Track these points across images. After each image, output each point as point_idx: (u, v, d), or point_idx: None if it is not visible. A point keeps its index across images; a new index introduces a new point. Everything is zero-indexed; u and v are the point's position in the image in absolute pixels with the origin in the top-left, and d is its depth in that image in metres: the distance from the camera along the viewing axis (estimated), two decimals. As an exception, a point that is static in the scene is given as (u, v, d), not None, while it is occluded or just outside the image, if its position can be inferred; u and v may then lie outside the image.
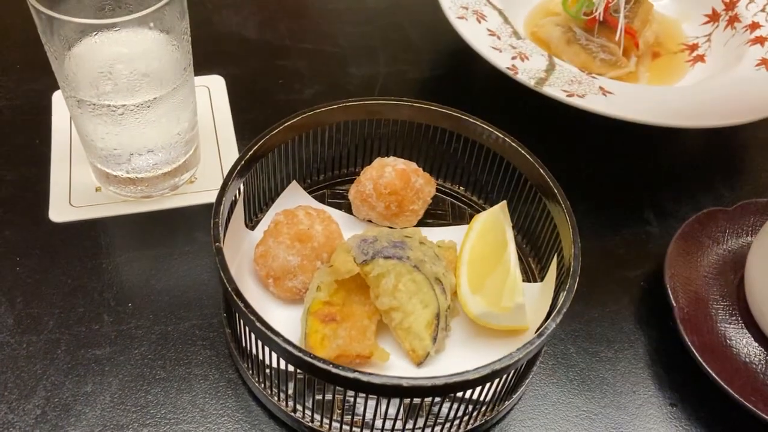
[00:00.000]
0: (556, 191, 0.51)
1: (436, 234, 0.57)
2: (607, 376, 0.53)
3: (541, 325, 0.45)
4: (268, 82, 0.71)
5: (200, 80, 0.69)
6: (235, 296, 0.42)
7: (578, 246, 0.47)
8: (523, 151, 0.53)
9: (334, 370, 0.40)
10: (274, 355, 0.43)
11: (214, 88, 0.69)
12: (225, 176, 0.49)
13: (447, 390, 0.41)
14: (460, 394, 0.45)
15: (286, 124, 0.53)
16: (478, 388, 0.44)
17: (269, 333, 0.41)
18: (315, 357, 0.40)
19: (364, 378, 0.39)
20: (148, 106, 0.52)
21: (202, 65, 0.71)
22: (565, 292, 0.45)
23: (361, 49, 0.76)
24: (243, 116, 0.67)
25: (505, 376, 0.44)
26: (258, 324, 0.41)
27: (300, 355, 0.40)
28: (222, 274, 0.43)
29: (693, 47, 0.76)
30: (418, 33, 0.78)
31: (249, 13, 0.78)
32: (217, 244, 0.45)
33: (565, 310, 0.44)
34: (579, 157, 0.67)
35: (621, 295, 0.57)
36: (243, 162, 0.50)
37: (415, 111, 0.56)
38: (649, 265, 0.60)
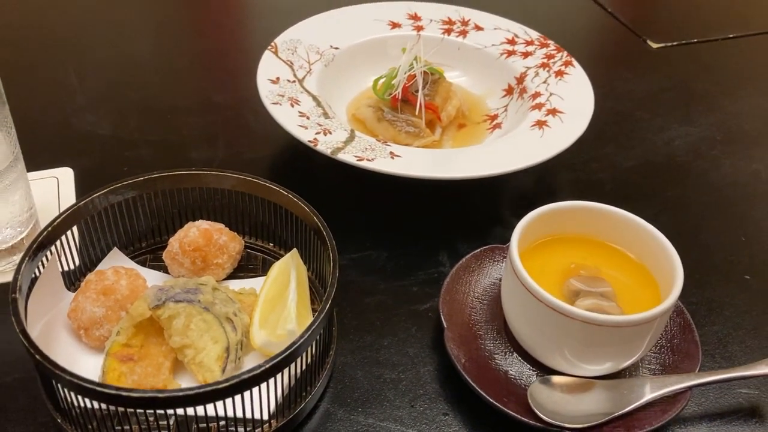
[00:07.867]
0: (326, 237, 0.60)
1: (240, 283, 0.65)
2: (389, 395, 0.60)
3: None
4: (114, 170, 0.80)
5: (50, 172, 0.78)
6: (22, 337, 0.49)
7: (336, 277, 0.56)
8: (305, 207, 0.62)
9: (99, 389, 0.46)
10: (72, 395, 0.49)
11: (62, 179, 0.77)
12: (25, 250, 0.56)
13: (198, 399, 0.47)
14: (234, 414, 0.52)
15: (74, 208, 0.61)
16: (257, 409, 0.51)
17: (36, 355, 0.47)
18: (74, 375, 0.47)
19: (125, 393, 0.46)
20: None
21: (54, 160, 0.80)
22: (314, 327, 0.52)
23: (203, 136, 0.86)
24: (87, 200, 0.76)
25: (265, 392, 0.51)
26: (33, 352, 0.48)
27: (61, 374, 0.47)
28: (13, 319, 0.50)
29: (494, 117, 0.88)
30: (259, 120, 0.89)
31: (105, 113, 0.89)
32: (13, 294, 0.52)
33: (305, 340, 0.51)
34: (388, 216, 0.77)
35: (410, 326, 0.65)
36: (41, 237, 0.58)
37: (215, 178, 0.65)
38: (438, 300, 0.68)
